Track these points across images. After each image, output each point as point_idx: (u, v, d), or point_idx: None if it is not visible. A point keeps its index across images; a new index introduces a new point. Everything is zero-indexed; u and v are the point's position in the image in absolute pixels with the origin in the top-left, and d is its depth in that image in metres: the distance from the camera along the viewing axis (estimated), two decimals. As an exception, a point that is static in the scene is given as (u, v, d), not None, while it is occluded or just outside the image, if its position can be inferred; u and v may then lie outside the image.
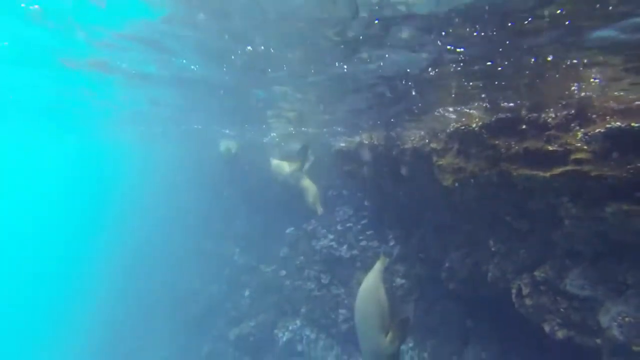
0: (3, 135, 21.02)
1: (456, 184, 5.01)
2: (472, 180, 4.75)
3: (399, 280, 9.41)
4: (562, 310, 4.47)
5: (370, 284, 5.53)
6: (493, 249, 5.39)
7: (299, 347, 10.69)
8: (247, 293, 12.69)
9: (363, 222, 10.98)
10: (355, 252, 10.39)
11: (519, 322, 6.66)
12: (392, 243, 9.65)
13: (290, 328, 11.01)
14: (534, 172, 3.98)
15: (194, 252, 16.27)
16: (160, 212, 18.57)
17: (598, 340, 4.15)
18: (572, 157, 3.78)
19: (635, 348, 3.63)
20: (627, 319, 3.74)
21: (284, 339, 11.01)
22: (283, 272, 11.75)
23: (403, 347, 8.93)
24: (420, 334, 8.75)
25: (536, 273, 4.68)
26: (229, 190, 15.66)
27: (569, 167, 3.65)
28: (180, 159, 19.03)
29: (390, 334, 4.96)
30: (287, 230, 12.25)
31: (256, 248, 13.86)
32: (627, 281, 3.84)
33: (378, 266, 6.30)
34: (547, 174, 3.84)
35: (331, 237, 11.08)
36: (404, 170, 6.95)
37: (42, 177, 38.37)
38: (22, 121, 15.87)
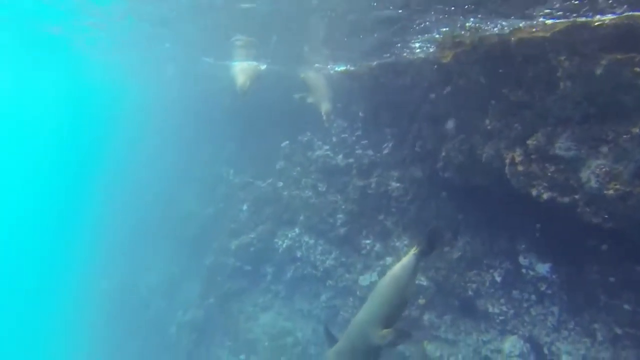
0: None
1: (455, 60, 5.13)
2: (471, 54, 4.86)
3: (394, 184, 9.82)
4: (548, 174, 4.81)
5: (399, 280, 4.95)
6: (489, 127, 5.64)
7: (299, 253, 11.26)
8: (245, 207, 13.08)
9: (357, 133, 11.17)
10: (351, 160, 10.67)
11: (506, 207, 7.18)
12: (386, 148, 9.92)
13: (289, 236, 11.52)
14: (534, 35, 4.10)
15: (190, 177, 16.57)
16: (154, 141, 18.65)
17: (576, 196, 4.54)
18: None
19: (606, 192, 4.02)
20: (604, 169, 4.10)
21: (284, 246, 11.55)
22: (280, 184, 12.08)
23: (399, 244, 9.54)
24: (415, 231, 9.30)
25: (529, 142, 4.96)
26: (219, 114, 15.65)
27: (569, 22, 3.77)
28: (172, 87, 18.79)
29: (385, 332, 4.68)
30: (282, 144, 12.42)
31: (250, 166, 14.12)
32: (608, 137, 4.13)
33: (412, 262, 5.15)
34: (547, 34, 3.97)
35: (327, 147, 11.31)
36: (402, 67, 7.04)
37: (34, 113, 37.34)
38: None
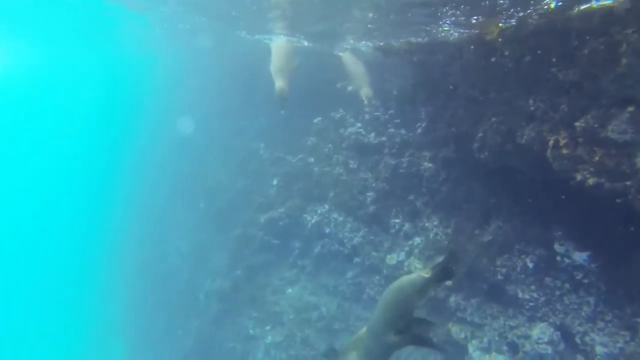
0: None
1: (501, 36, 4.90)
2: (520, 29, 4.63)
3: (426, 164, 9.66)
4: (596, 159, 4.58)
5: (405, 294, 4.61)
6: (532, 108, 5.40)
7: (327, 230, 11.34)
8: (275, 182, 13.20)
9: (390, 111, 10.97)
10: (383, 138, 10.53)
11: (542, 192, 6.94)
12: (420, 127, 9.73)
13: (318, 212, 11.59)
14: (601, 4, 3.84)
15: (222, 150, 16.79)
16: (188, 113, 18.95)
17: (628, 182, 4.32)
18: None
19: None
20: (664, 155, 3.86)
21: (312, 222, 11.65)
22: (311, 160, 12.10)
23: (429, 225, 9.44)
24: (445, 212, 9.16)
25: (577, 124, 4.72)
26: (252, 87, 15.65)
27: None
28: (206, 59, 18.89)
29: (399, 336, 4.53)
30: (315, 120, 12.37)
31: (281, 141, 14.14)
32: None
33: (420, 283, 4.65)
34: (616, 3, 3.71)
35: (359, 125, 11.19)
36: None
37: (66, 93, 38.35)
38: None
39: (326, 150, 11.74)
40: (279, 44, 8.49)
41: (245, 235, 13.58)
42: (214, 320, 13.47)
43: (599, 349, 6.03)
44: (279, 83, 7.64)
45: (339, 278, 11.16)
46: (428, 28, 7.76)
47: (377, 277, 10.19)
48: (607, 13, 3.74)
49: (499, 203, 8.23)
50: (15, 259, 34.47)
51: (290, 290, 11.92)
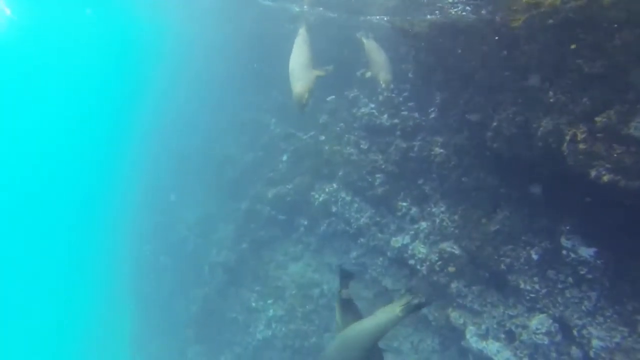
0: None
1: (526, 24, 4.77)
2: (549, 17, 4.49)
3: (437, 150, 9.57)
4: (615, 155, 4.52)
5: (386, 327, 5.00)
6: (551, 100, 5.30)
7: (334, 209, 11.38)
8: (284, 158, 13.20)
9: (405, 94, 10.81)
10: (396, 120, 10.43)
11: (553, 185, 6.89)
12: (433, 112, 9.61)
13: (326, 190, 11.61)
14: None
15: (231, 123, 16.74)
16: (199, 81, 18.80)
17: (645, 181, 4.27)
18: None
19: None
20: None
21: (320, 200, 11.68)
22: (322, 137, 12.04)
23: (436, 210, 9.43)
24: (453, 199, 9.15)
25: (597, 119, 4.64)
26: (266, 60, 15.44)
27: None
28: (220, 28, 18.60)
29: None
30: (328, 98, 12.25)
31: (293, 117, 14.04)
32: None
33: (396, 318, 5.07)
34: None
35: (372, 105, 11.07)
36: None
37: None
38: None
39: (338, 129, 11.67)
40: (301, 42, 7.87)
41: (252, 209, 13.70)
42: (218, 290, 13.75)
43: (595, 342, 6.12)
44: (298, 88, 6.73)
45: (342, 257, 11.28)
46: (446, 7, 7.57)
47: (381, 259, 10.29)
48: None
49: (508, 193, 8.20)
50: (22, 224, 35.11)
51: (293, 266, 12.09)
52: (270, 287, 12.18)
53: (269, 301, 11.97)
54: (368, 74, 9.00)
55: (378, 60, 8.84)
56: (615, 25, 4.04)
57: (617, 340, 5.88)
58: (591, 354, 6.20)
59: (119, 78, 30.24)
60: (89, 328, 24.89)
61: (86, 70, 33.62)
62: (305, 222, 12.23)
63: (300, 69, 7.06)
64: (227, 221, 14.93)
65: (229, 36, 17.86)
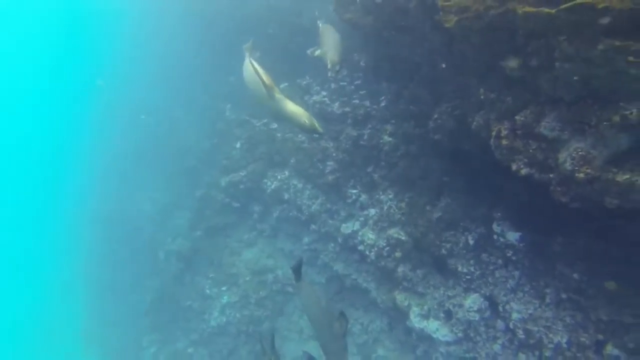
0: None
1: (458, 27, 5.02)
2: (476, 22, 4.76)
3: (387, 138, 9.88)
4: (530, 151, 4.91)
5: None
6: (482, 97, 5.64)
7: (286, 196, 11.55)
8: (238, 145, 13.18)
9: (357, 82, 11.01)
10: (347, 109, 10.62)
11: (489, 175, 7.35)
12: (384, 100, 9.88)
13: (278, 177, 11.75)
14: (540, 10, 4.02)
15: (190, 108, 16.44)
16: (155, 66, 18.23)
17: (551, 175, 4.70)
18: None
19: (577, 175, 4.18)
20: (580, 153, 4.23)
21: (272, 187, 11.81)
22: (274, 125, 12.10)
23: (384, 197, 9.79)
24: (400, 187, 9.52)
25: (517, 117, 5.01)
26: (222, 44, 15.19)
27: (579, 1, 3.67)
28: (176, 9, 18.00)
29: None
30: (281, 86, 12.22)
31: (247, 104, 13.98)
32: (591, 122, 4.21)
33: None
34: (553, 11, 3.89)
35: (324, 93, 11.21)
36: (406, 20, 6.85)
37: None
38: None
39: (290, 117, 11.74)
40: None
41: (207, 197, 13.66)
42: (173, 278, 13.69)
43: (514, 315, 6.83)
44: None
45: (295, 243, 11.52)
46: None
47: (332, 245, 10.60)
48: (546, 18, 3.92)
49: (451, 181, 8.65)
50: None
51: (248, 252, 12.23)
52: (224, 274, 12.28)
53: (223, 288, 12.08)
54: (317, 52, 9.13)
55: (329, 41, 8.97)
56: (527, 34, 4.36)
57: (530, 311, 6.59)
58: (511, 325, 6.91)
59: (70, 62, 28.70)
60: (40, 320, 24.10)
61: (34, 55, 31.73)
62: (259, 209, 12.35)
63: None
64: (182, 209, 14.82)
65: (184, 20, 17.37)
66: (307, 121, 7.04)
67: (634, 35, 3.63)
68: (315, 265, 11.05)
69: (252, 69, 7.41)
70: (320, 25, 9.85)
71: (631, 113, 3.73)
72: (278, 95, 7.35)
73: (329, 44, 9.02)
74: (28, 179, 32.58)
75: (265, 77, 7.27)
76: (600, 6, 3.52)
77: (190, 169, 15.21)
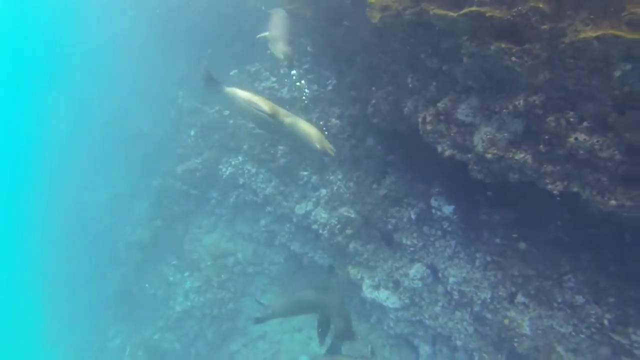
0: None
1: (382, 23, 5.45)
2: (396, 19, 5.20)
3: (334, 121, 10.31)
4: (452, 134, 5.49)
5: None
6: (410, 86, 6.15)
7: (241, 180, 11.86)
8: (192, 132, 13.26)
9: (305, 66, 11.30)
10: (295, 94, 10.94)
11: (425, 155, 7.97)
12: (330, 84, 10.26)
13: (233, 163, 12.01)
14: (446, 13, 4.52)
15: (143, 97, 16.19)
16: (107, 54, 17.71)
17: (469, 155, 5.32)
18: (477, -1, 4.30)
19: (487, 155, 4.81)
20: (488, 136, 4.85)
21: (227, 173, 12.07)
22: (226, 112, 12.27)
23: (334, 178, 10.29)
24: (348, 167, 10.03)
25: (439, 105, 5.56)
26: (174, 31, 14.95)
27: (472, 8, 4.21)
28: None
29: None
30: (231, 73, 12.38)
31: (199, 91, 13.97)
32: (495, 109, 4.82)
33: None
34: (455, 14, 4.40)
35: (273, 79, 11.45)
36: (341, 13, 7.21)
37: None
38: None
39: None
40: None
41: (164, 185, 13.75)
42: (135, 268, 13.82)
43: (451, 279, 7.62)
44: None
45: (253, 225, 11.92)
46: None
47: (288, 225, 11.07)
48: (450, 20, 4.42)
49: (394, 160, 9.22)
50: None
51: (208, 237, 12.52)
52: (186, 260, 12.56)
53: (186, 274, 12.38)
54: (265, 34, 9.22)
55: (278, 24, 9.13)
56: (440, 32, 4.86)
57: (464, 275, 7.38)
58: (448, 288, 7.70)
59: (23, 49, 27.09)
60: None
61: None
62: (216, 195, 12.61)
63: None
64: (140, 198, 14.81)
65: (138, 6, 16.87)
66: (318, 146, 6.43)
67: (515, 38, 4.22)
68: (273, 246, 11.53)
69: (245, 99, 6.73)
70: (272, 11, 9.99)
71: (519, 103, 4.34)
72: (287, 120, 6.54)
73: (278, 27, 9.18)
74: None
75: (264, 104, 6.47)
76: (487, 14, 4.09)
77: (145, 157, 15.13)
